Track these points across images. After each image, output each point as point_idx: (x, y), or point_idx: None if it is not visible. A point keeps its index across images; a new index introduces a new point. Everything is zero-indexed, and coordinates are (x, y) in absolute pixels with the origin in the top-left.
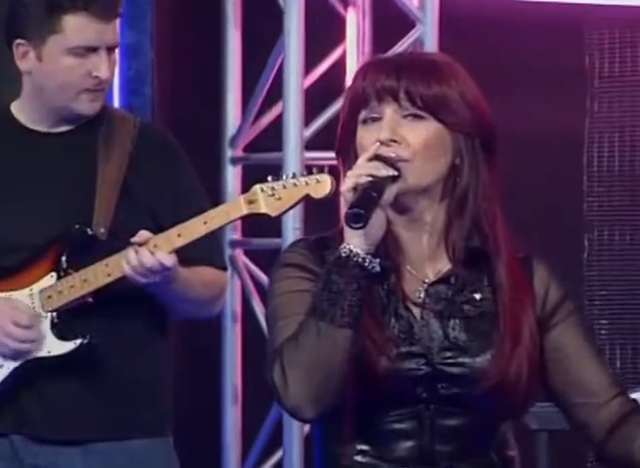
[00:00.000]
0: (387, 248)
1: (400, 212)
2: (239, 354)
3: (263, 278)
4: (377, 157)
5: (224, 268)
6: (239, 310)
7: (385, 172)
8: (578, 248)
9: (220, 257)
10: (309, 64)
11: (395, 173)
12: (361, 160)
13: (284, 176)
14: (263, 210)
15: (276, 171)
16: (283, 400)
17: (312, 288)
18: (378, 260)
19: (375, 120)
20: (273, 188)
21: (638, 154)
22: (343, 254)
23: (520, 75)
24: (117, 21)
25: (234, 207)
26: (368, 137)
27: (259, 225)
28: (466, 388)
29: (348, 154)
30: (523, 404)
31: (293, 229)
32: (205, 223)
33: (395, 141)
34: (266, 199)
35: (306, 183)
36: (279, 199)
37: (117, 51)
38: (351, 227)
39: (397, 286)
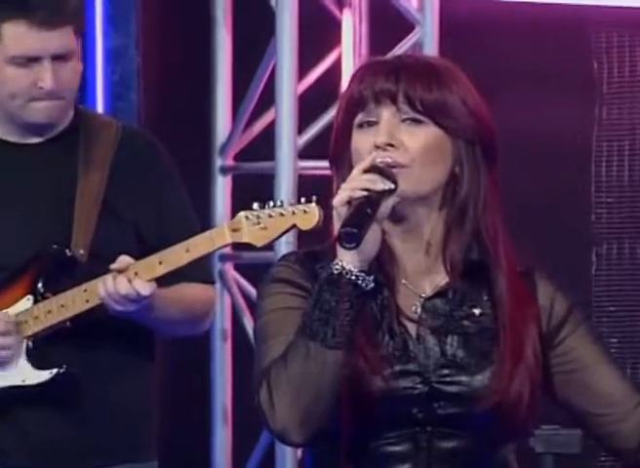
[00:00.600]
0: (382, 260)
1: (396, 221)
2: (229, 373)
3: (255, 294)
4: (372, 168)
5: (212, 282)
6: (229, 328)
7: (382, 185)
8: (585, 262)
9: (207, 271)
10: (303, 69)
11: (392, 186)
12: (356, 171)
13: (270, 203)
14: (246, 239)
15: (268, 181)
16: (270, 423)
17: (302, 305)
18: (372, 277)
19: (371, 124)
20: (259, 217)
21: None
22: (335, 272)
23: (524, 80)
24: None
25: (218, 235)
26: (364, 142)
27: None
28: (465, 408)
29: (343, 161)
30: (524, 425)
31: (286, 243)
32: (187, 251)
33: (392, 146)
34: (251, 228)
35: (293, 213)
36: (264, 228)
37: (98, 55)
38: (344, 247)
39: (391, 301)
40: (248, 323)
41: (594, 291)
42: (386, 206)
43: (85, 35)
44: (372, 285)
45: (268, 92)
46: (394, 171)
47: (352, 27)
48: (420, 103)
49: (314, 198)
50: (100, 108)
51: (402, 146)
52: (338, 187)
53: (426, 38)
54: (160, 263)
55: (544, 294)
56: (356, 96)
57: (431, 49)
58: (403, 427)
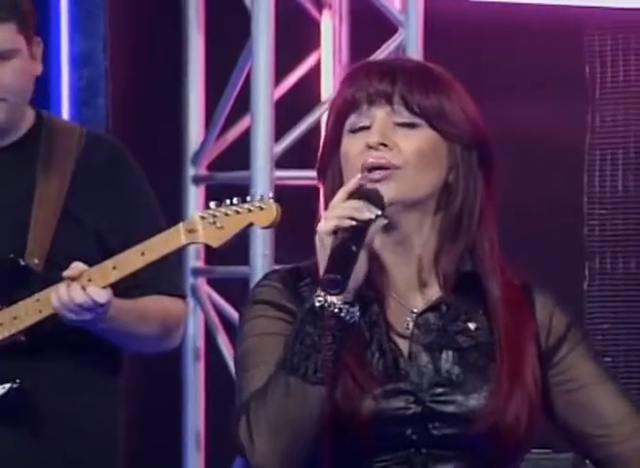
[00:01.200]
0: (371, 275)
1: (387, 230)
2: (202, 395)
3: (229, 310)
4: (358, 191)
5: (183, 296)
6: (202, 346)
7: (368, 214)
8: (577, 277)
9: (176, 284)
10: (280, 73)
11: (379, 212)
12: (341, 195)
13: (227, 202)
14: (203, 239)
15: (243, 191)
16: (249, 458)
17: (285, 330)
18: (357, 309)
19: (363, 129)
20: (215, 216)
21: None
22: (318, 304)
23: (513, 85)
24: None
25: (173, 236)
26: (355, 145)
27: (223, 252)
28: (461, 429)
29: (331, 169)
30: (523, 447)
31: (262, 256)
32: (142, 254)
33: (386, 146)
34: (207, 228)
35: (250, 210)
36: (221, 228)
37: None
38: (329, 293)
39: (381, 316)
40: (222, 341)
41: (587, 307)
42: (373, 232)
43: (48, 38)
44: (357, 318)
45: (243, 97)
46: (387, 173)
47: (332, 29)
48: (417, 106)
49: (271, 194)
50: (65, 115)
51: (396, 147)
52: (325, 198)
53: (410, 40)
54: (114, 268)
55: (543, 310)
56: (348, 98)
57: (415, 52)
58: (397, 449)
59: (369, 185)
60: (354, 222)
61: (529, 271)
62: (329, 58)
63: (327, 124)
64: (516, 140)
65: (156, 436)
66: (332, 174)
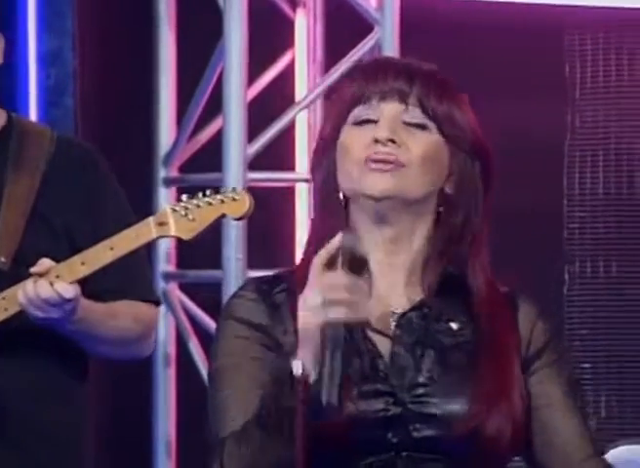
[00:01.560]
0: (354, 274)
1: (379, 226)
2: (173, 403)
3: (201, 315)
4: (337, 256)
5: (156, 302)
6: (173, 353)
7: (354, 315)
8: (557, 282)
9: (149, 289)
10: (253, 73)
11: (364, 318)
12: (319, 266)
13: (199, 194)
14: (174, 233)
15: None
16: None
17: (259, 353)
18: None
19: (369, 122)
20: (186, 208)
21: (625, 175)
22: (295, 371)
23: (491, 85)
24: None
25: (143, 230)
26: (358, 137)
27: (195, 255)
28: (442, 430)
29: (326, 164)
30: (509, 451)
31: (235, 259)
32: (111, 249)
33: (394, 142)
34: (178, 220)
35: (222, 202)
36: (193, 220)
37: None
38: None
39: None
40: (194, 347)
41: (566, 312)
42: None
43: (15, 36)
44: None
45: (216, 97)
46: (390, 167)
47: (306, 28)
48: (432, 109)
49: (244, 186)
50: (33, 116)
51: (403, 145)
52: (316, 193)
53: (386, 39)
54: (83, 264)
55: (525, 319)
56: (359, 90)
57: (391, 51)
58: (377, 453)
59: (347, 242)
60: (345, 316)
61: (507, 276)
62: (303, 58)
63: (327, 115)
64: (494, 141)
65: (126, 443)
66: (325, 167)
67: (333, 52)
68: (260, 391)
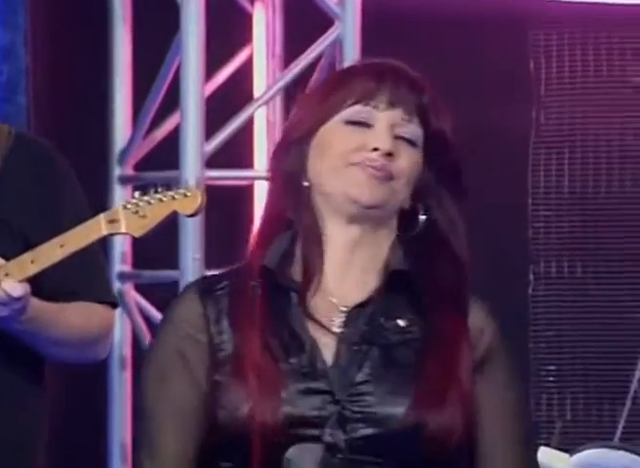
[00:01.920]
0: (308, 274)
1: (350, 223)
2: (128, 406)
3: (158, 317)
4: None
5: (113, 304)
6: (129, 355)
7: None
8: (521, 282)
9: (105, 290)
10: (211, 68)
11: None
12: None
13: (151, 191)
14: (125, 229)
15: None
16: None
17: (194, 356)
18: None
19: (362, 125)
20: (137, 205)
21: (591, 173)
22: None
23: (454, 81)
24: None
25: (93, 227)
26: (348, 137)
27: (151, 255)
28: (381, 430)
29: (294, 155)
30: (455, 453)
31: (192, 259)
32: (61, 246)
33: (391, 156)
34: (129, 217)
35: (173, 198)
36: (144, 217)
37: None
38: None
39: (303, 314)
40: None
41: (531, 313)
42: None
43: None
44: None
45: (172, 93)
46: (383, 176)
47: (265, 22)
48: (433, 129)
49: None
50: None
51: (397, 159)
52: (278, 181)
53: (347, 35)
54: (32, 262)
55: (475, 321)
56: (366, 89)
57: (352, 47)
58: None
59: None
60: None
61: (470, 276)
62: (262, 53)
63: (315, 98)
64: (458, 139)
65: (81, 447)
66: (295, 155)
67: (292, 47)
68: (188, 407)
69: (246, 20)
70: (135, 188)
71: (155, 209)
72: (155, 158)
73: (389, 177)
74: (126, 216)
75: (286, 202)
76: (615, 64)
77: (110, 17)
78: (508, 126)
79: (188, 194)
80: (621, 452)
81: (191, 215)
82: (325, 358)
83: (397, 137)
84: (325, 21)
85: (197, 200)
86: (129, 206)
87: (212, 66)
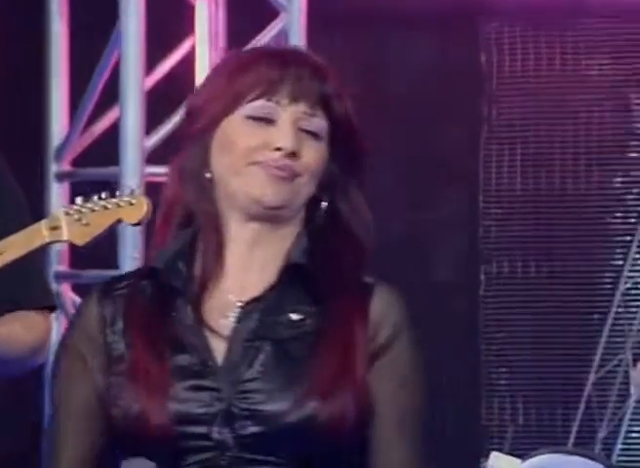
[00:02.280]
0: (206, 273)
1: (252, 219)
2: None
3: None
4: None
5: (51, 308)
6: None
7: None
8: (472, 282)
9: (44, 294)
10: (151, 62)
11: None
12: None
13: (95, 197)
14: (67, 237)
15: (111, 189)
16: None
17: (91, 361)
18: None
19: (265, 121)
20: (80, 212)
21: (544, 170)
22: None
23: (402, 75)
24: None
25: (34, 234)
26: (251, 134)
27: (89, 255)
28: (269, 427)
29: (195, 149)
30: (349, 448)
31: (131, 258)
32: (0, 254)
33: (295, 155)
34: (72, 225)
35: (118, 206)
36: (87, 225)
37: None
38: None
39: (193, 310)
40: None
41: (482, 314)
42: None
43: None
44: None
45: (112, 86)
46: (288, 177)
47: (208, 13)
48: (336, 119)
49: (139, 189)
50: None
51: (302, 156)
52: (178, 172)
53: (292, 26)
54: None
55: (376, 310)
56: (266, 82)
57: (298, 39)
58: (202, 451)
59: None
60: None
61: (418, 276)
62: (204, 46)
63: (216, 84)
64: (407, 134)
65: (17, 451)
66: (197, 148)
67: (236, 38)
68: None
69: (188, 12)
70: (72, 185)
71: (99, 217)
72: (93, 154)
73: (293, 177)
74: (68, 224)
75: (187, 194)
76: (568, 58)
77: (47, 8)
78: (459, 121)
79: (134, 202)
80: (575, 457)
81: (136, 224)
82: (216, 355)
83: (301, 131)
84: (270, 13)
85: (143, 208)
86: (71, 212)
87: (152, 59)
